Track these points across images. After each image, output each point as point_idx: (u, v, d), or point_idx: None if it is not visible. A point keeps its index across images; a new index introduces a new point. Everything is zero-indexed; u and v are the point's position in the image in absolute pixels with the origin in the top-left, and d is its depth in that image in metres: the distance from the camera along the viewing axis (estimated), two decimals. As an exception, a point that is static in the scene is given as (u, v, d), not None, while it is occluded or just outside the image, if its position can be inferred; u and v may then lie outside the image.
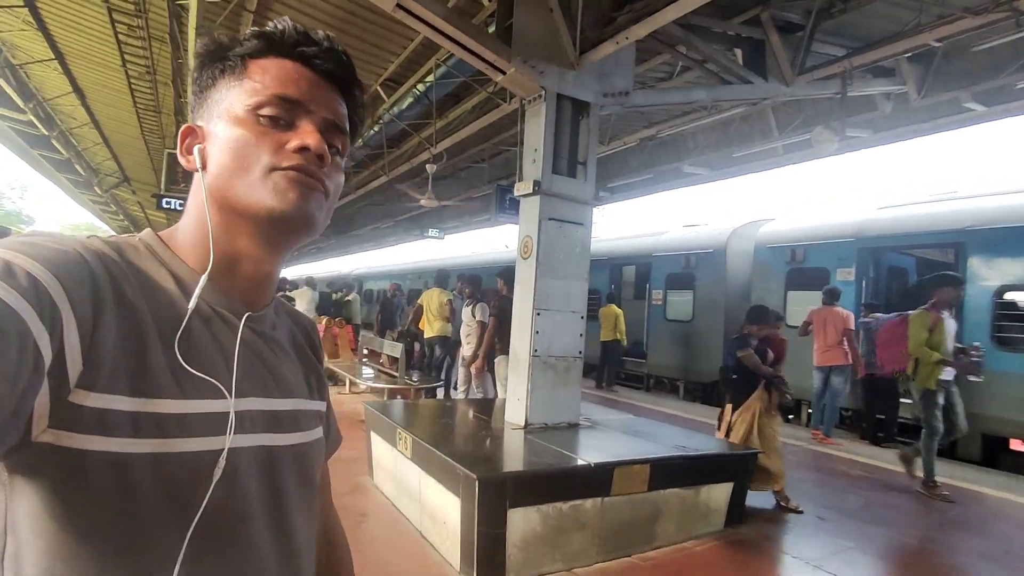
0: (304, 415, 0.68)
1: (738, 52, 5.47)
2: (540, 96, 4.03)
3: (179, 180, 7.87)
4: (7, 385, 0.40)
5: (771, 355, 4.26)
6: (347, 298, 11.15)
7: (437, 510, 3.20)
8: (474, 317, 5.85)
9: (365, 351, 8.55)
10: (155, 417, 0.50)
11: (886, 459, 5.70)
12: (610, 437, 3.91)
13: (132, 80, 7.17)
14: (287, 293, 9.83)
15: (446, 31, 3.69)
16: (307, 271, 31.54)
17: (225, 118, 0.60)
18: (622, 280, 12.57)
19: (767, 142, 8.47)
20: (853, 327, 6.38)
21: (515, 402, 4.01)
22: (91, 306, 0.48)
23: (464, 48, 3.83)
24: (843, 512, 4.11)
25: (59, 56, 7.38)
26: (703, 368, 10.01)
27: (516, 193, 4.13)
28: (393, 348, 7.07)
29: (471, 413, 4.34)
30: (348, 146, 0.67)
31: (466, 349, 5.96)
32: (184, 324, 0.55)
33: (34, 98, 8.35)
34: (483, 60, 3.90)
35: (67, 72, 7.81)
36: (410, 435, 3.50)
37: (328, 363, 8.37)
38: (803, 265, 8.45)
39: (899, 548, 3.67)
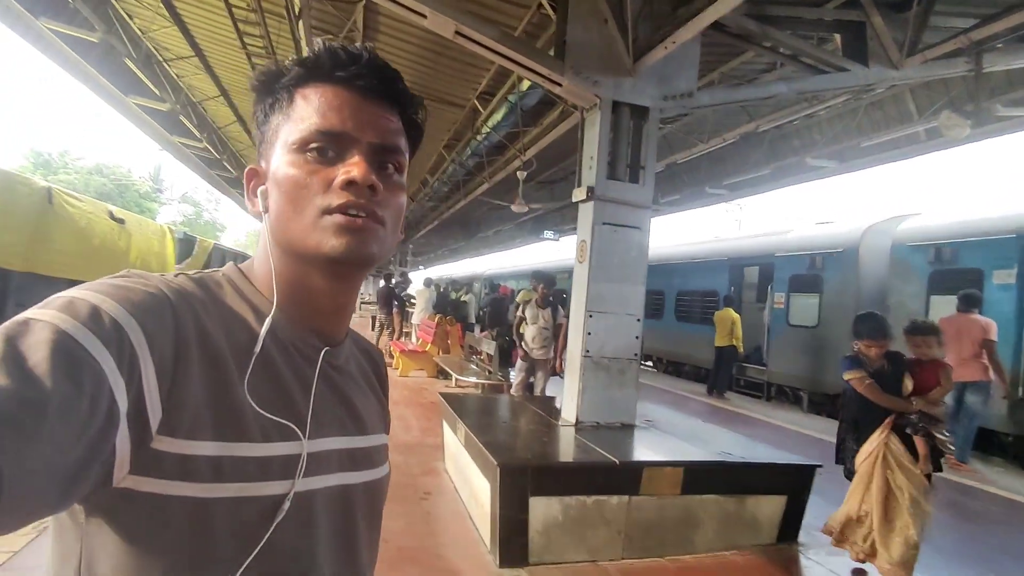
0: (376, 451, 0.69)
1: (838, 38, 5.04)
2: (596, 105, 4.15)
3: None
4: (74, 434, 0.40)
5: (910, 385, 3.00)
6: (463, 299, 11.92)
7: (477, 492, 3.51)
8: (552, 319, 6.04)
9: (470, 348, 9.14)
10: (237, 461, 0.51)
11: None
12: (659, 439, 3.92)
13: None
14: (408, 293, 10.77)
15: (500, 51, 3.98)
16: (445, 271, 33.68)
17: (277, 157, 0.61)
18: (743, 282, 11.86)
19: (906, 127, 7.55)
20: (995, 338, 5.51)
21: (568, 401, 4.18)
22: (172, 351, 0.49)
23: (520, 65, 4.08)
24: (938, 548, 3.68)
25: (223, 92, 8.95)
26: (828, 379, 9.15)
27: (574, 199, 4.29)
28: (489, 346, 7.51)
29: (532, 409, 4.58)
30: (406, 161, 0.66)
31: (540, 352, 6.12)
32: (253, 362, 0.55)
33: (208, 128, 10.14)
34: (539, 75, 4.13)
35: (231, 104, 9.41)
36: (464, 425, 3.84)
37: (437, 359, 9.09)
38: (950, 266, 7.40)
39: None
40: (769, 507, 3.50)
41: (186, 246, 11.07)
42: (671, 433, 4.09)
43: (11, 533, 0.40)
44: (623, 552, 3.22)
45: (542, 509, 3.09)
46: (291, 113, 0.60)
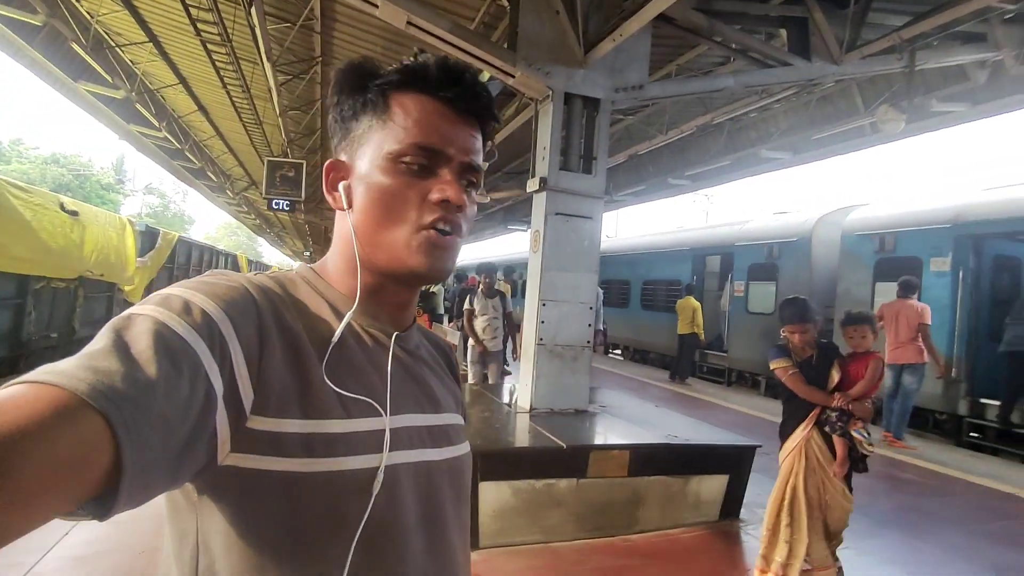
0: (453, 429, 0.71)
1: (784, 33, 5.21)
2: (548, 96, 4.22)
3: (277, 183, 8.94)
4: (180, 413, 0.44)
5: (836, 377, 2.75)
6: (432, 290, 11.89)
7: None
8: (501, 308, 6.09)
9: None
10: (324, 437, 0.54)
11: (965, 466, 5.19)
12: (610, 424, 4.05)
13: (234, 98, 8.35)
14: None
15: (453, 42, 4.01)
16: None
17: (368, 159, 0.63)
18: (705, 271, 12.16)
19: (853, 120, 7.83)
20: (929, 321, 5.81)
21: (523, 388, 4.27)
22: (257, 338, 0.53)
23: (473, 56, 4.12)
24: (867, 515, 3.90)
25: (183, 81, 8.72)
26: (784, 364, 9.49)
27: (527, 189, 4.36)
28: (454, 336, 7.57)
29: (489, 397, 4.66)
30: (482, 177, 0.69)
31: (492, 343, 6.15)
32: (331, 348, 0.59)
33: (167, 117, 9.88)
34: (492, 66, 4.17)
35: (191, 93, 9.18)
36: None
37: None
38: (893, 254, 7.74)
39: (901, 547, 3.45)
40: (712, 486, 3.66)
41: (149, 239, 10.78)
42: (622, 418, 4.22)
43: (135, 509, 0.42)
44: (574, 533, 3.34)
45: (492, 493, 3.18)
46: (387, 119, 0.62)
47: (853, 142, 8.04)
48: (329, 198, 0.67)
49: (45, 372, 0.40)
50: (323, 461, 0.53)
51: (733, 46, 4.82)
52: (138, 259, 10.06)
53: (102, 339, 0.44)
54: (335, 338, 0.59)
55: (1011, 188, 6.94)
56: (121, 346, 0.43)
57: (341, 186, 0.65)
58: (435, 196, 0.60)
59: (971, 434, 6.87)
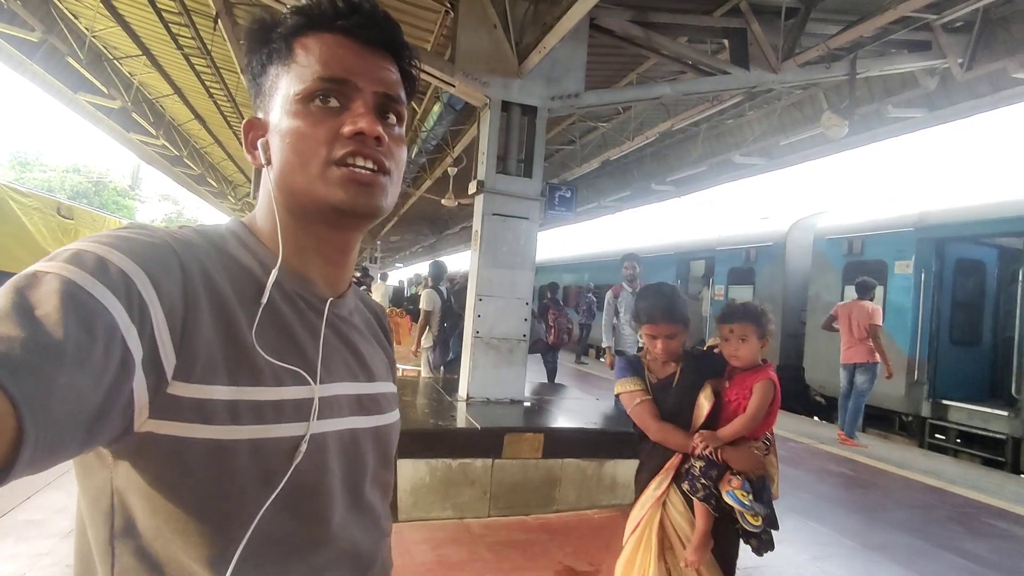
0: (384, 397, 0.71)
1: (727, 43, 5.43)
2: (487, 104, 4.48)
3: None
4: (92, 380, 0.41)
5: (707, 406, 1.82)
6: (419, 292, 12.25)
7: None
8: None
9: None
10: (252, 404, 0.53)
11: (906, 463, 5.30)
12: (536, 412, 4.27)
13: (221, 107, 8.77)
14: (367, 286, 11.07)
15: (394, 55, 4.30)
16: (422, 269, 33.80)
17: (279, 108, 0.61)
18: (689, 276, 12.30)
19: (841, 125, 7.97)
20: (879, 322, 5.94)
21: (462, 378, 4.52)
22: (182, 300, 0.50)
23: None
24: (790, 508, 4.06)
25: (177, 91, 9.16)
26: (761, 367, 9.60)
27: (468, 192, 4.63)
28: (427, 339, 7.84)
29: (437, 389, 4.91)
30: (405, 113, 0.66)
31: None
32: (261, 311, 0.56)
33: (164, 125, 10.35)
34: (435, 77, 4.46)
35: (187, 103, 9.62)
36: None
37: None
38: (860, 258, 7.86)
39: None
40: (627, 470, 3.85)
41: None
42: (556, 408, 4.44)
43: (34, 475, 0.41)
44: (489, 510, 3.56)
45: (409, 470, 3.42)
46: (291, 63, 0.60)
47: (819, 148, 8.18)
48: (249, 158, 0.65)
49: None
50: (249, 428, 0.52)
51: (665, 54, 5.03)
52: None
53: (1, 300, 0.41)
54: (264, 300, 0.57)
55: (972, 193, 7.06)
56: (24, 308, 0.40)
57: (259, 143, 0.63)
58: (347, 129, 0.58)
59: (937, 436, 6.95)
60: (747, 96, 6.62)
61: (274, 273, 0.59)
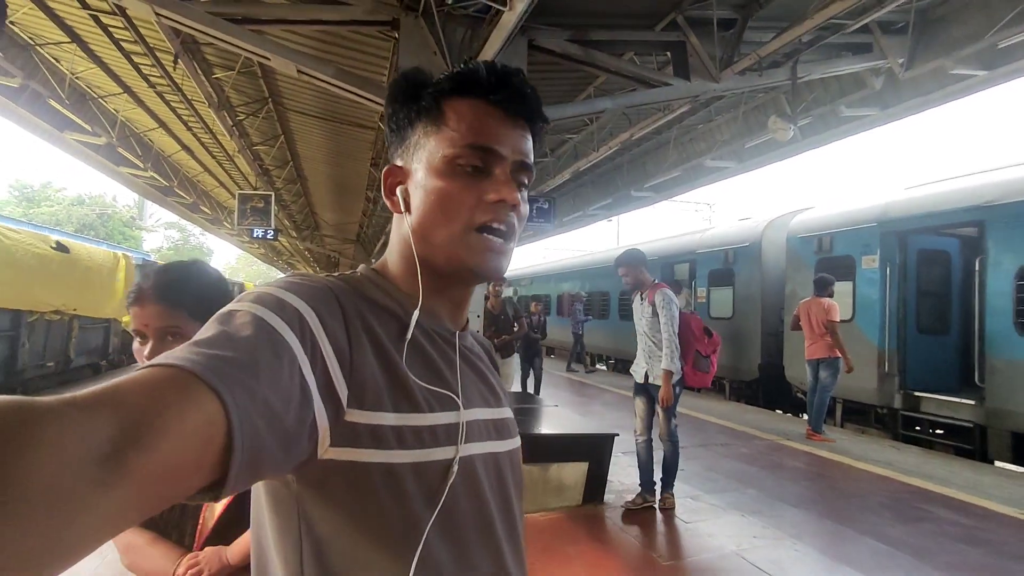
0: (511, 422, 0.74)
1: (670, 56, 5.62)
2: (432, 128, 4.69)
3: (248, 215, 9.60)
4: (283, 402, 0.46)
5: None
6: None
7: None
8: None
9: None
10: (413, 429, 0.57)
11: (868, 455, 5.40)
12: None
13: (200, 139, 9.07)
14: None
15: (339, 85, 4.54)
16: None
17: (425, 164, 0.65)
18: (674, 279, 12.42)
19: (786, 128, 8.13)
20: (836, 318, 6.06)
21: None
22: (345, 335, 0.55)
23: (360, 96, 4.63)
24: (731, 503, 4.18)
25: (162, 124, 9.49)
26: (742, 366, 9.71)
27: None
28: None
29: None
30: (533, 177, 0.71)
31: None
32: (407, 346, 0.61)
33: (152, 157, 10.68)
34: (376, 103, 4.68)
35: (172, 135, 9.94)
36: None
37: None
38: (829, 254, 7.98)
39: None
40: (573, 473, 4.00)
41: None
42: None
43: (243, 490, 0.44)
44: (437, 516, 3.72)
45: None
46: (442, 125, 0.64)
47: (783, 149, 8.33)
48: (387, 202, 0.70)
49: (162, 357, 0.42)
50: (412, 452, 0.56)
51: (602, 68, 5.22)
52: (135, 291, 10.83)
53: (208, 330, 0.47)
54: (408, 335, 0.62)
55: (929, 185, 7.18)
56: (226, 335, 0.46)
57: (399, 190, 0.67)
58: (491, 196, 0.63)
59: (914, 428, 7.01)
60: (697, 105, 6.80)
61: (416, 312, 0.64)
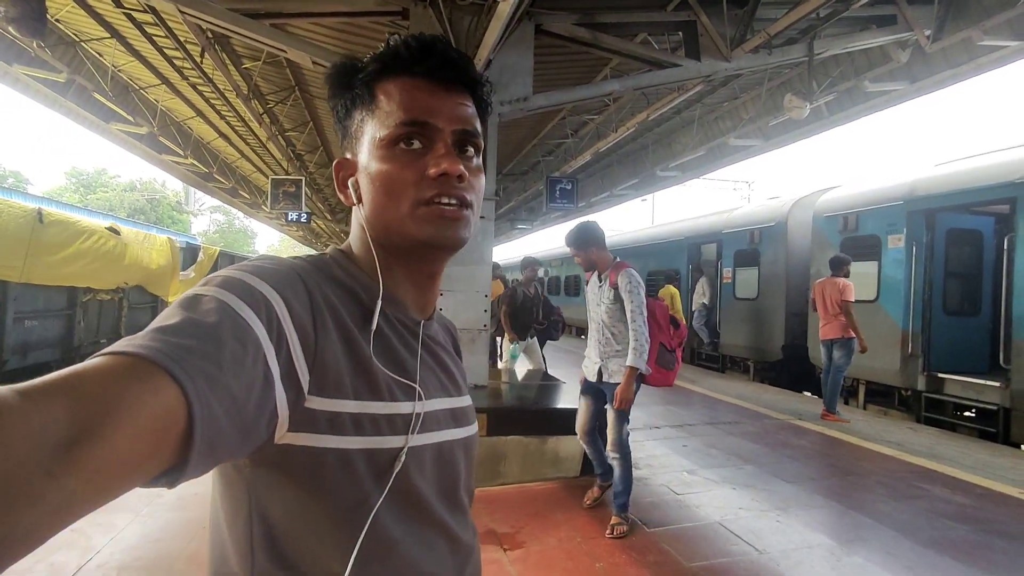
0: (470, 410, 0.76)
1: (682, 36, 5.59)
2: (440, 114, 4.86)
3: (280, 199, 10.01)
4: (245, 389, 0.46)
5: None
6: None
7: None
8: None
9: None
10: (371, 417, 0.58)
11: (882, 436, 5.38)
12: (492, 393, 4.63)
13: (234, 126, 9.45)
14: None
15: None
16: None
17: (366, 151, 0.65)
18: (701, 259, 12.30)
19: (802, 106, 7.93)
20: (851, 298, 5.98)
21: (430, 367, 4.93)
22: (311, 321, 0.55)
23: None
24: (726, 479, 4.28)
25: (199, 113, 9.92)
26: (766, 347, 9.63)
27: (430, 196, 5.02)
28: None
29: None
30: (482, 143, 0.69)
31: None
32: (373, 335, 0.61)
33: (191, 144, 11.20)
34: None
35: (209, 123, 10.39)
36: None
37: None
38: (856, 233, 7.81)
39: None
40: (569, 446, 4.17)
41: (191, 254, 12.25)
42: (509, 392, 4.79)
43: (200, 476, 0.45)
44: (441, 483, 3.96)
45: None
46: (375, 108, 0.64)
47: (810, 127, 8.13)
48: (341, 196, 0.69)
49: (123, 344, 0.42)
50: (367, 439, 0.57)
51: (610, 50, 5.24)
52: (182, 272, 11.47)
53: (172, 315, 0.46)
54: (373, 325, 0.62)
55: (959, 162, 6.92)
56: (191, 322, 0.45)
57: (350, 182, 0.68)
58: (432, 171, 0.62)
59: (938, 410, 6.88)
60: (715, 83, 6.72)
61: (379, 303, 0.64)
